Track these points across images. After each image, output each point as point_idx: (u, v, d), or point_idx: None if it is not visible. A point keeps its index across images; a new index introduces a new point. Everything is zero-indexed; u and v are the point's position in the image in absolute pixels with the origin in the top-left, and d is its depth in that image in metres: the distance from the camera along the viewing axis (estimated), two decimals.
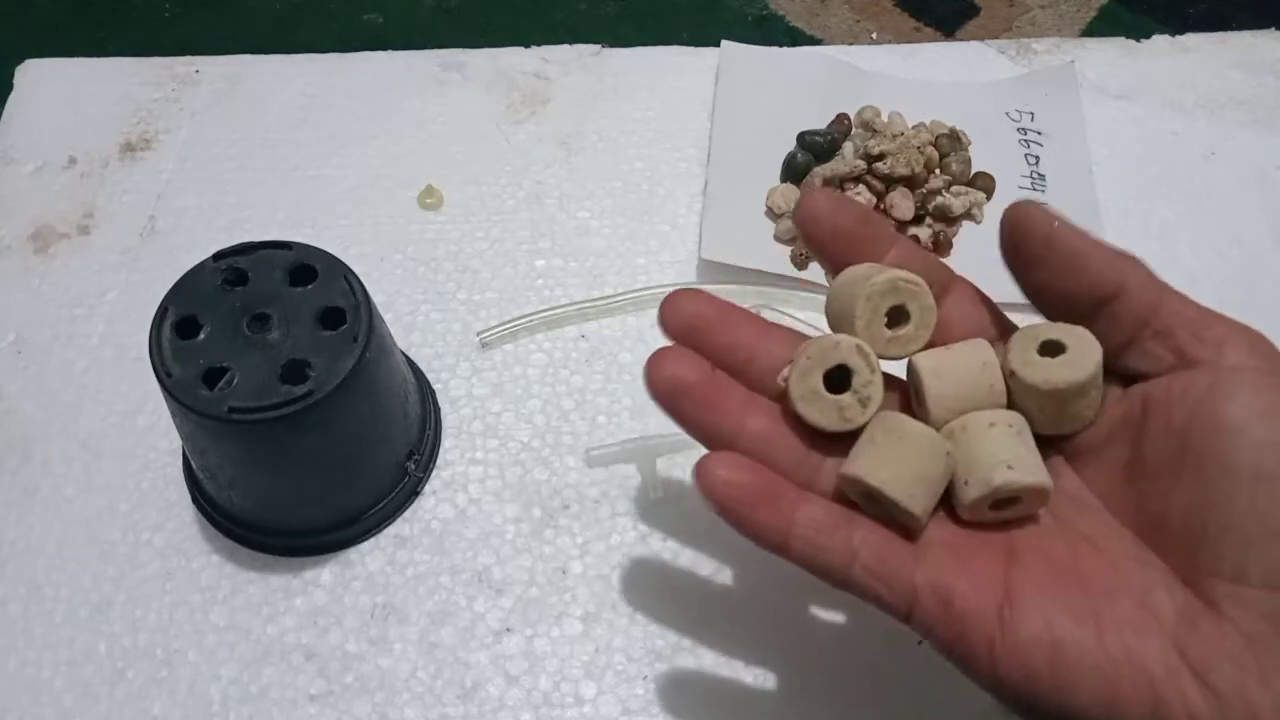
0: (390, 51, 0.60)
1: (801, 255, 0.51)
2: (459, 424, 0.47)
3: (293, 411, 0.37)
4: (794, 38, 0.64)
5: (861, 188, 0.52)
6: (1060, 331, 0.31)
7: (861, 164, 0.52)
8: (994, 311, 0.34)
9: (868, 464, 0.31)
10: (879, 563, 0.31)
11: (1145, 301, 0.30)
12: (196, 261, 0.40)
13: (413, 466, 0.45)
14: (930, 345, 0.33)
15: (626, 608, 0.43)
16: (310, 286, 0.40)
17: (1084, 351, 0.31)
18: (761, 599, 0.43)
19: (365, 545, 0.44)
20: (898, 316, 0.32)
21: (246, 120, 0.57)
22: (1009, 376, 0.32)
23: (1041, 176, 0.54)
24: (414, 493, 0.45)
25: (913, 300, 0.32)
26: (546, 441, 0.47)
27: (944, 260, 0.52)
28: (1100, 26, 0.65)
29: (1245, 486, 0.28)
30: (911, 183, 0.52)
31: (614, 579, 0.44)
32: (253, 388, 0.37)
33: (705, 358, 0.33)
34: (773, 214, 0.53)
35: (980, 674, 0.30)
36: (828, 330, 0.35)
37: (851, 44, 0.63)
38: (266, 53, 0.60)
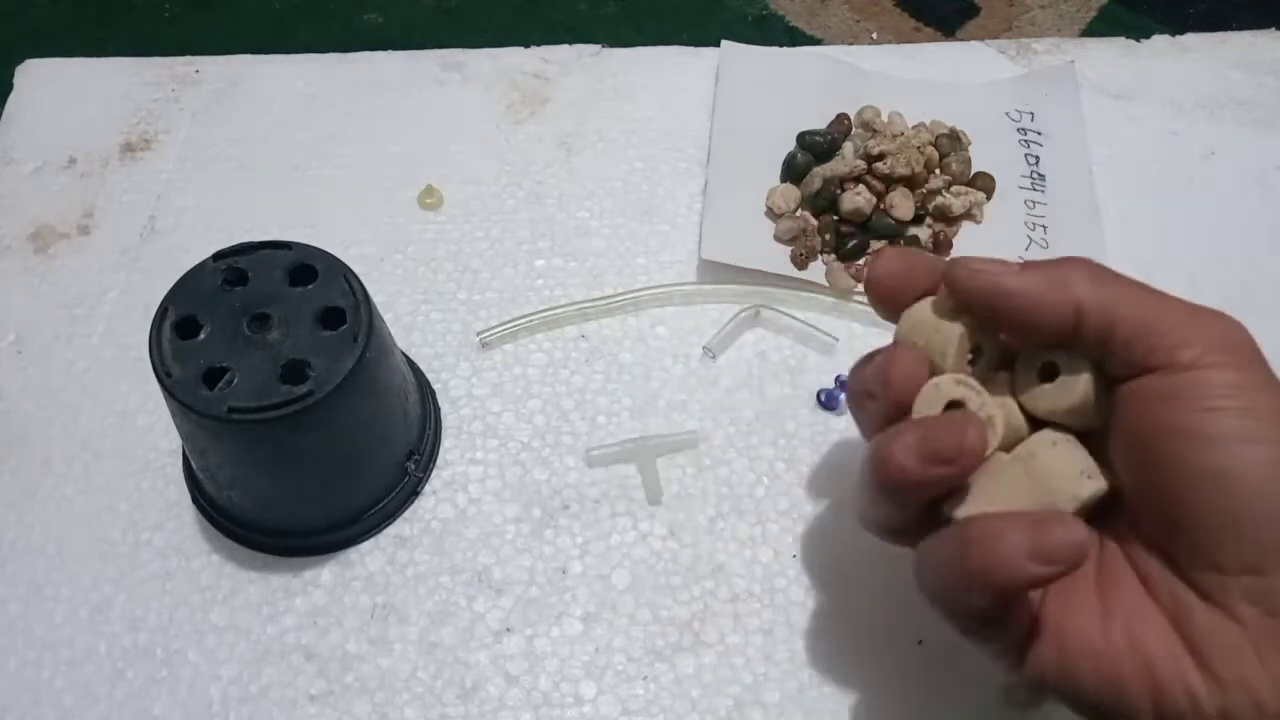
0: (390, 51, 0.60)
1: (801, 255, 0.51)
2: (459, 424, 0.47)
3: (293, 411, 0.37)
4: (794, 38, 0.64)
5: (861, 187, 0.52)
6: (1059, 354, 0.33)
7: (861, 164, 0.52)
8: None
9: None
10: None
11: (1101, 322, 0.31)
12: (196, 261, 0.40)
13: (413, 466, 0.45)
14: None
15: (626, 608, 0.43)
16: (310, 286, 0.40)
17: (1074, 371, 0.32)
18: (761, 599, 0.43)
19: (365, 545, 0.44)
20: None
21: (246, 120, 0.57)
22: (1020, 406, 0.34)
23: (1041, 176, 0.54)
24: (414, 493, 0.45)
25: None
26: (546, 441, 0.47)
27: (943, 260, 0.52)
28: (1100, 26, 0.65)
29: (1203, 483, 0.29)
30: (911, 183, 0.52)
31: (614, 579, 0.44)
32: (253, 388, 0.37)
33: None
34: (773, 214, 0.53)
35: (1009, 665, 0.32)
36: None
37: (851, 44, 0.63)
38: (266, 53, 0.60)
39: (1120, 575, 0.31)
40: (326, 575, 0.44)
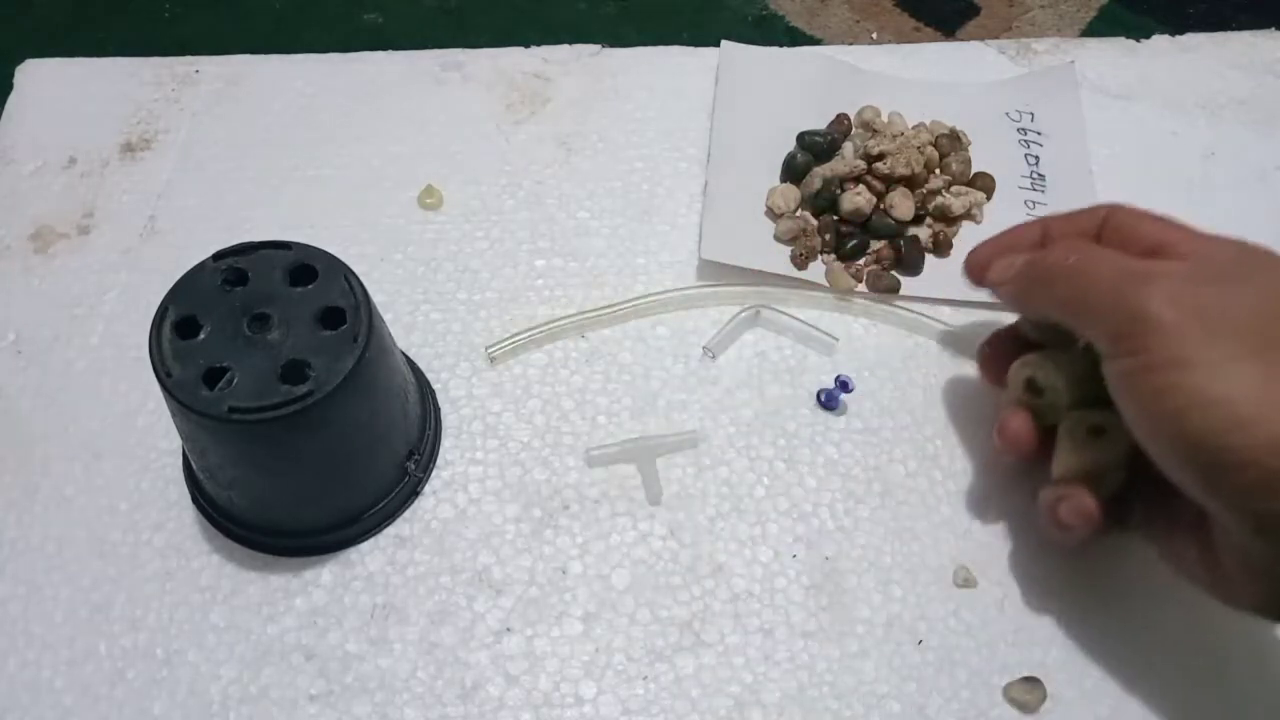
0: (390, 51, 0.60)
1: (801, 255, 0.51)
2: (459, 424, 0.47)
3: (292, 411, 0.37)
4: (794, 38, 0.64)
5: (861, 187, 0.52)
6: (1102, 416, 0.39)
7: (861, 164, 0.52)
8: None
9: None
10: None
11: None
12: (196, 261, 0.40)
13: (413, 466, 0.45)
14: None
15: (626, 608, 0.43)
16: (310, 286, 0.40)
17: (1117, 439, 0.39)
18: (761, 599, 0.43)
19: (365, 545, 0.44)
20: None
21: (246, 120, 0.57)
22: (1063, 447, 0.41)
23: (1041, 176, 0.54)
24: (414, 493, 0.45)
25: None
26: (546, 441, 0.47)
27: (943, 260, 0.52)
28: (1100, 26, 0.65)
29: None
30: (911, 183, 0.52)
31: (614, 579, 0.44)
32: (253, 388, 0.37)
33: None
34: (773, 214, 0.53)
35: None
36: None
37: (851, 44, 0.63)
38: (266, 53, 0.60)
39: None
40: (326, 575, 0.44)
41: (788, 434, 0.47)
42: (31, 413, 0.48)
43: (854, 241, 0.51)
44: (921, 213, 0.52)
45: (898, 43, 0.63)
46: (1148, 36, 0.61)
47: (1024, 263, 0.41)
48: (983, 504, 0.45)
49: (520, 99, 0.58)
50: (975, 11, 0.66)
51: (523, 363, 0.49)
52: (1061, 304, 0.39)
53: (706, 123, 0.56)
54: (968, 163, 0.54)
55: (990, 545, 0.44)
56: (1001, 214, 0.53)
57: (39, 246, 0.53)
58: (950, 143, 0.54)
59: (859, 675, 0.42)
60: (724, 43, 0.59)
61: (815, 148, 0.54)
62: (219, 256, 0.40)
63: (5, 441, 0.47)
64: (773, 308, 0.50)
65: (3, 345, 0.50)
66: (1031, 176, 0.54)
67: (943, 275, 0.51)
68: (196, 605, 0.43)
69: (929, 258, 0.52)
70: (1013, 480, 0.45)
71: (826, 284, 0.51)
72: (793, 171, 0.54)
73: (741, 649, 0.42)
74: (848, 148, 0.54)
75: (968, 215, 0.53)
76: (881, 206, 0.52)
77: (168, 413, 0.41)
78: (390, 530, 0.45)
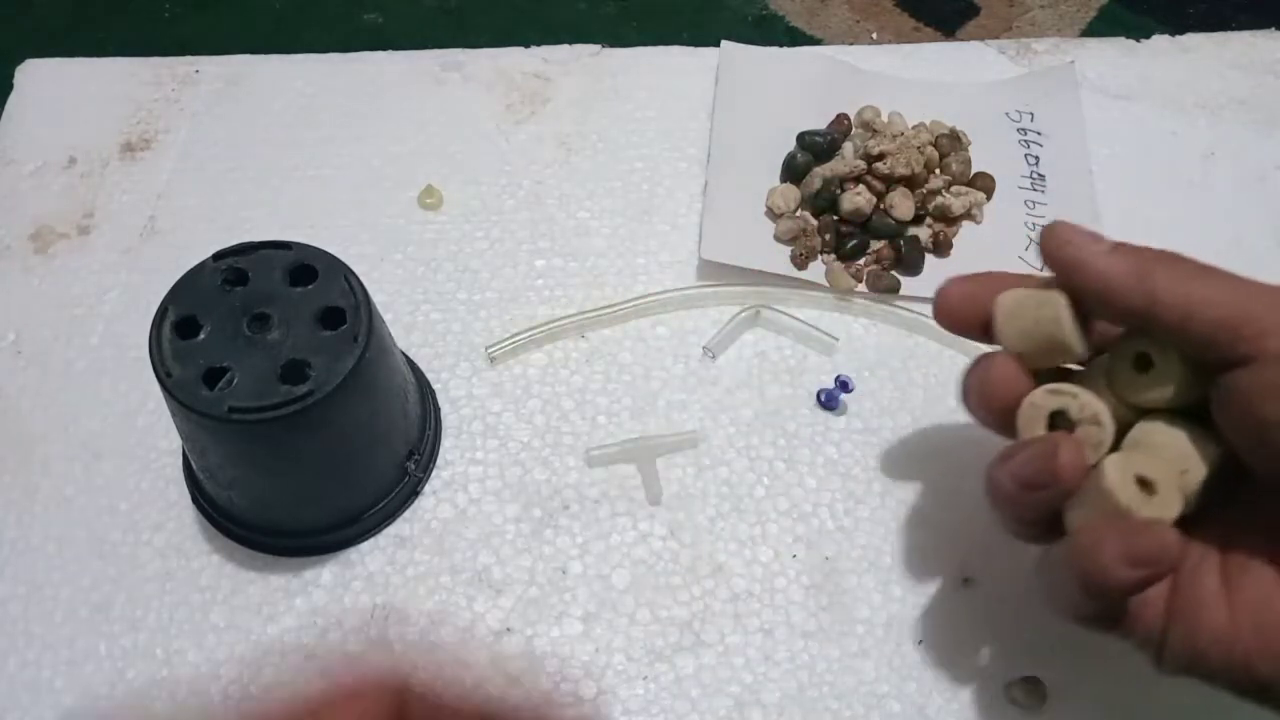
0: (390, 51, 0.60)
1: (801, 255, 0.51)
2: (459, 424, 0.47)
3: (293, 411, 0.37)
4: (794, 38, 0.64)
5: (861, 188, 0.52)
6: (1149, 343, 0.33)
7: (861, 164, 0.52)
8: None
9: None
10: None
11: (1174, 319, 0.31)
12: (196, 261, 0.40)
13: (413, 466, 0.45)
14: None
15: (626, 608, 0.43)
16: (310, 286, 0.40)
17: (1167, 362, 0.33)
18: (761, 599, 0.43)
19: (365, 545, 0.44)
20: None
21: (246, 120, 0.57)
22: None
23: (1041, 177, 0.54)
24: (414, 493, 0.45)
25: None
26: (546, 441, 0.47)
27: (943, 260, 0.52)
28: (1100, 26, 0.65)
29: None
30: (911, 183, 0.52)
31: (614, 579, 0.44)
32: (253, 388, 0.37)
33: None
34: (772, 214, 0.53)
35: None
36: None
37: (851, 44, 0.63)
38: (266, 53, 0.60)
39: (1248, 556, 0.32)
40: (326, 575, 0.44)
41: (788, 434, 0.47)
42: (31, 413, 0.48)
43: (854, 241, 0.51)
44: (921, 213, 0.52)
45: (898, 43, 0.63)
46: (1148, 36, 0.61)
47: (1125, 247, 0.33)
48: (983, 504, 0.45)
49: (520, 99, 0.58)
50: (975, 11, 0.66)
51: (523, 363, 0.49)
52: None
53: (706, 123, 0.56)
54: (968, 163, 0.54)
55: (990, 545, 0.44)
56: (1001, 214, 0.53)
57: (39, 246, 0.53)
58: (950, 143, 0.54)
59: (859, 675, 0.42)
60: (724, 43, 0.59)
61: (815, 148, 0.54)
62: (219, 256, 0.40)
63: (5, 441, 0.47)
64: (773, 308, 0.50)
65: (3, 345, 0.50)
66: (1031, 176, 0.54)
67: (943, 275, 0.50)
68: (196, 605, 0.43)
69: (929, 258, 0.52)
70: None
71: (826, 284, 0.51)
72: (793, 171, 0.54)
73: (741, 649, 0.42)
74: (848, 148, 0.54)
75: (968, 215, 0.53)
76: (881, 206, 0.52)
77: (168, 413, 0.41)
78: (390, 530, 0.45)
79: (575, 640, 0.42)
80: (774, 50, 0.59)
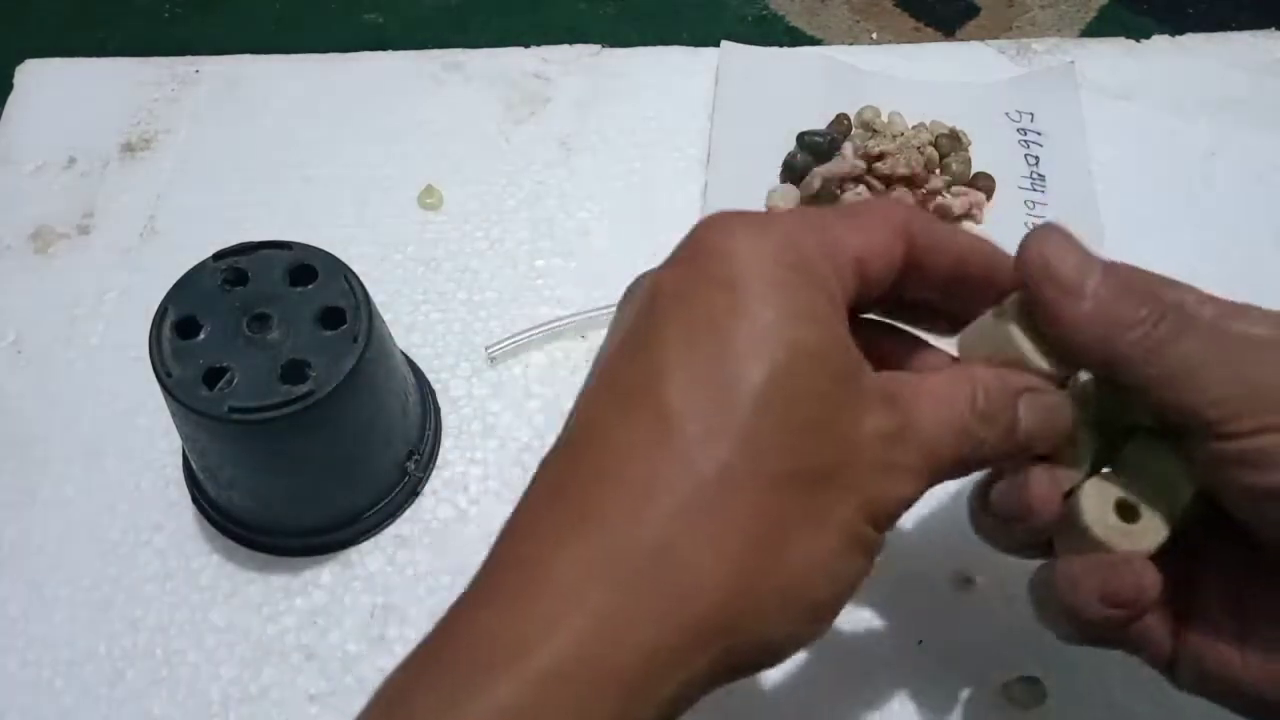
0: (390, 51, 0.60)
1: None
2: (459, 424, 0.47)
3: (293, 411, 0.37)
4: (794, 38, 0.64)
5: (862, 188, 0.52)
6: (1136, 494, 0.31)
7: (861, 164, 0.52)
8: None
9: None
10: None
11: (1156, 397, 0.29)
12: (196, 261, 0.40)
13: (413, 466, 0.45)
14: None
15: None
16: (310, 286, 0.40)
17: (1153, 530, 0.31)
18: None
19: (365, 545, 0.44)
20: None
21: (246, 120, 0.57)
22: (1082, 525, 0.31)
23: (1041, 177, 0.54)
24: (414, 493, 0.45)
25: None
26: (546, 442, 0.46)
27: None
28: (1100, 26, 0.65)
29: None
30: (911, 183, 0.52)
31: None
32: (253, 388, 0.37)
33: None
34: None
35: None
36: None
37: (851, 44, 0.63)
38: (266, 53, 0.60)
39: (1261, 587, 0.31)
40: (326, 575, 0.44)
41: None
42: (31, 413, 0.48)
43: None
44: None
45: (898, 43, 0.63)
46: (1148, 36, 0.61)
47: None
48: None
49: (520, 99, 0.58)
50: (975, 11, 0.66)
51: (523, 363, 0.49)
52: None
53: (706, 123, 0.56)
54: (968, 163, 0.54)
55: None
56: (1001, 214, 0.53)
57: (39, 246, 0.53)
58: (950, 143, 0.54)
59: (859, 675, 0.42)
60: (724, 43, 0.59)
61: (815, 148, 0.54)
62: (219, 256, 0.40)
63: (5, 441, 0.47)
64: None
65: (3, 345, 0.50)
66: (1031, 177, 0.54)
67: None
68: (196, 605, 0.43)
69: None
70: None
71: None
72: (793, 172, 0.54)
73: None
74: (848, 148, 0.53)
75: (968, 215, 0.53)
76: None
77: (168, 413, 0.41)
78: (390, 530, 0.45)
79: None
80: (774, 50, 0.59)
